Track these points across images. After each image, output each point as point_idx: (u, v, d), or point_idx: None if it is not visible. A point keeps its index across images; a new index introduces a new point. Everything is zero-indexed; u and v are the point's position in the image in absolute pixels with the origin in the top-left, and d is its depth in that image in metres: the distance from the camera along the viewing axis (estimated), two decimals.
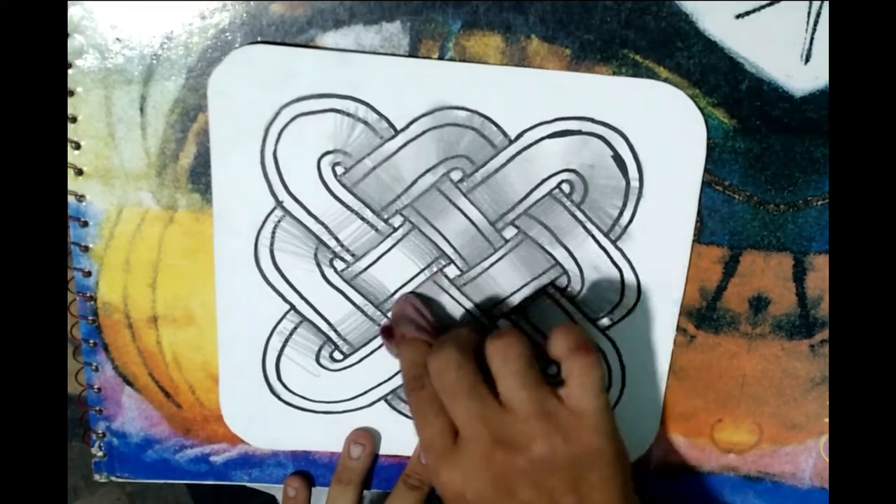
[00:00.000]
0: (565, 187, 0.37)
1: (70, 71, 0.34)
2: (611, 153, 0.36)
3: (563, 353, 0.33)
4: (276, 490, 0.44)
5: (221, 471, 0.42)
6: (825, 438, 0.41)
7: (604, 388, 0.33)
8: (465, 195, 0.37)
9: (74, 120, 0.35)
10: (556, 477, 0.31)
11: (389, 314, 0.38)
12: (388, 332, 0.37)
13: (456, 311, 0.39)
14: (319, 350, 0.39)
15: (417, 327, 0.36)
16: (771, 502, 0.43)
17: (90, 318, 0.38)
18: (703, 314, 0.39)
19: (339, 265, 0.38)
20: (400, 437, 0.41)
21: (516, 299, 0.38)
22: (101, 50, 0.34)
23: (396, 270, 0.38)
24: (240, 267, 0.37)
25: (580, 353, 0.32)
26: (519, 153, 0.36)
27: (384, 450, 0.41)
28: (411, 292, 0.38)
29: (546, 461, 0.31)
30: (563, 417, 0.32)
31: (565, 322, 0.37)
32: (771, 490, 0.42)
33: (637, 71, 0.35)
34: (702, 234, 0.38)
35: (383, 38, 0.35)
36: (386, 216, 0.37)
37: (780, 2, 0.34)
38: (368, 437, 0.40)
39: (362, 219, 0.37)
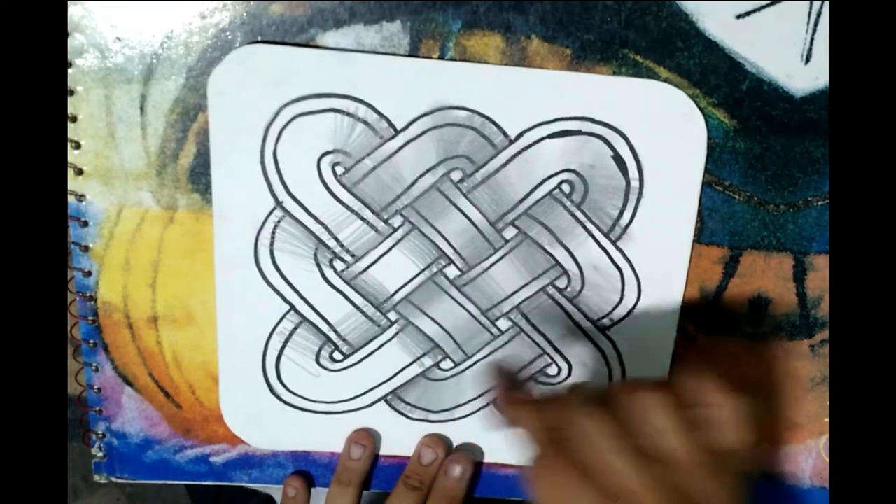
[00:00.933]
0: (565, 187, 0.37)
1: (70, 70, 0.34)
2: (611, 153, 0.36)
3: (715, 395, 0.30)
4: (276, 491, 0.44)
5: (221, 471, 0.42)
6: (825, 438, 0.41)
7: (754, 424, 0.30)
8: (465, 195, 0.37)
9: (74, 119, 0.35)
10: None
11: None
12: (507, 400, 0.34)
13: (456, 312, 0.38)
14: (319, 350, 0.39)
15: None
16: (771, 502, 0.43)
17: (90, 318, 0.38)
18: (703, 314, 0.39)
19: (339, 265, 0.38)
20: (400, 437, 0.41)
21: (516, 299, 0.38)
22: (102, 49, 0.34)
23: (396, 271, 0.38)
24: (240, 267, 0.37)
25: (736, 393, 0.30)
26: (519, 153, 0.36)
27: (384, 450, 0.41)
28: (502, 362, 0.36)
29: None
30: (729, 462, 0.29)
31: (700, 369, 0.33)
32: (771, 490, 0.42)
33: (637, 71, 0.35)
34: (702, 235, 0.38)
35: (383, 37, 0.35)
36: (386, 216, 0.37)
37: (780, 2, 0.34)
38: (369, 437, 0.40)
39: (362, 219, 0.37)
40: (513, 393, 0.34)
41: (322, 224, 0.37)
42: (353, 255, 0.37)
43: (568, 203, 0.37)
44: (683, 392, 0.30)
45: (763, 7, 0.35)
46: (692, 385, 0.31)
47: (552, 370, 0.40)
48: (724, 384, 0.30)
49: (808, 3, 0.34)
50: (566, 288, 0.38)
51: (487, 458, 0.41)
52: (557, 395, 0.31)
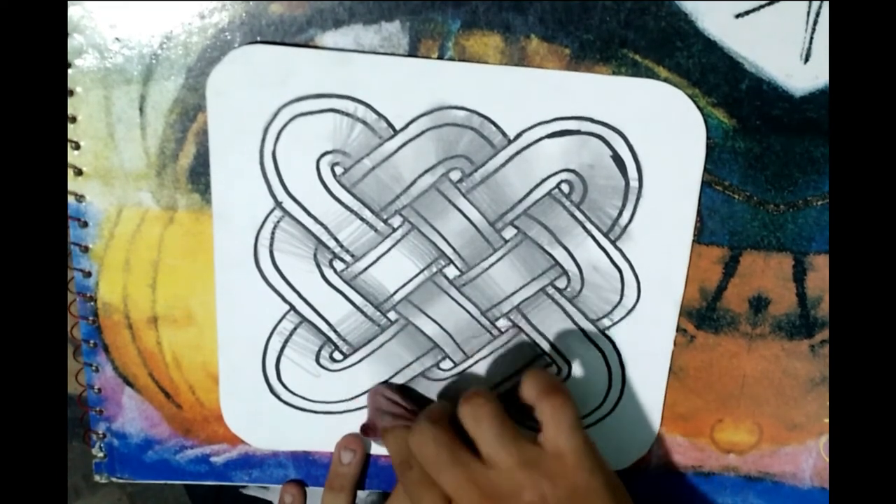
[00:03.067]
0: (564, 187, 0.37)
1: (70, 71, 0.34)
2: (610, 153, 0.36)
3: (534, 397, 0.34)
4: (275, 492, 0.44)
5: (222, 471, 0.42)
6: (825, 438, 0.41)
7: (579, 425, 0.33)
8: (464, 195, 0.37)
9: (74, 120, 0.35)
10: None
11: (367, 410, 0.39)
12: (367, 430, 0.39)
13: (456, 312, 0.38)
14: (319, 350, 0.39)
15: (394, 416, 0.38)
16: (771, 502, 0.43)
17: (90, 318, 0.38)
18: (703, 314, 0.39)
19: (339, 265, 0.38)
20: None
21: (516, 300, 0.38)
22: (101, 50, 0.34)
23: (396, 271, 0.38)
24: (239, 267, 0.37)
25: (549, 394, 0.34)
26: (518, 153, 0.36)
27: (384, 450, 0.41)
28: (381, 383, 0.39)
29: None
30: (546, 461, 0.33)
31: (532, 368, 0.38)
32: (771, 490, 0.42)
33: (637, 71, 0.35)
34: (702, 234, 0.38)
35: (383, 37, 0.35)
36: (385, 216, 0.37)
37: (779, 1, 0.34)
38: (359, 442, 0.40)
39: (361, 219, 0.37)
40: (378, 423, 0.38)
41: (321, 224, 0.37)
42: (352, 255, 0.37)
43: (567, 203, 0.37)
44: (520, 395, 0.35)
45: (762, 6, 0.35)
46: (521, 390, 0.35)
47: (552, 370, 0.40)
48: (542, 386, 0.34)
49: (807, 2, 0.34)
50: (566, 288, 0.38)
51: None
52: (417, 417, 0.35)
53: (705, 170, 0.37)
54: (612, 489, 0.33)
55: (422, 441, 0.34)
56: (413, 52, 0.35)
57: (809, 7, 0.34)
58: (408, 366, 0.40)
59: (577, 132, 0.36)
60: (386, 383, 0.39)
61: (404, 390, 0.39)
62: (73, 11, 0.34)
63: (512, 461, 0.32)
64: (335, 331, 0.39)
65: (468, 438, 0.34)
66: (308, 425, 0.40)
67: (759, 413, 0.41)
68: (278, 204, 0.36)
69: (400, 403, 0.38)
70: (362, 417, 0.40)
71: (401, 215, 0.37)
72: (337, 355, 0.39)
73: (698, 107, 0.36)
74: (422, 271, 0.38)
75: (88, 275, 0.38)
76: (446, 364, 0.40)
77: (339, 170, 0.36)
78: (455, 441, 0.33)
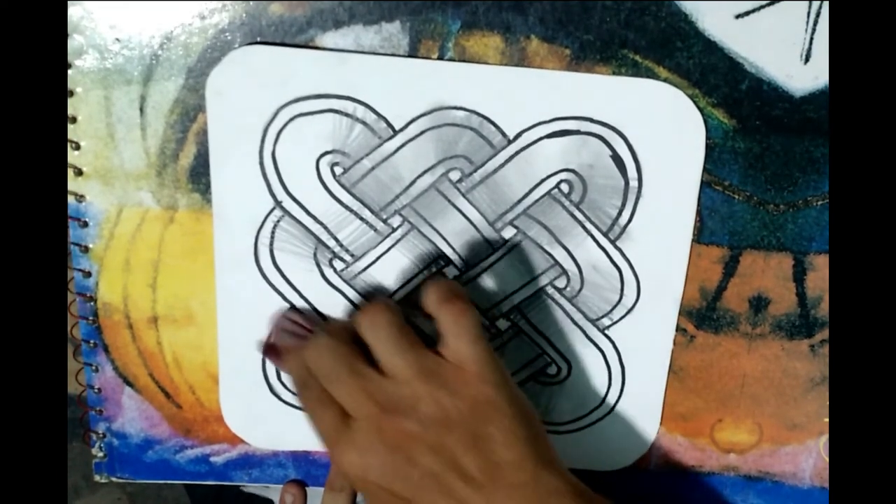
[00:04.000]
0: (564, 187, 0.37)
1: (70, 71, 0.34)
2: (609, 153, 0.36)
3: (434, 306, 0.33)
4: (275, 492, 0.44)
5: (222, 471, 0.42)
6: (825, 438, 0.41)
7: (480, 334, 0.32)
8: (463, 195, 0.37)
9: (74, 120, 0.35)
10: (452, 436, 0.30)
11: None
12: (270, 350, 0.37)
13: None
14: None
15: (296, 337, 0.36)
16: (771, 502, 0.43)
17: (90, 318, 0.38)
18: (702, 314, 0.39)
19: (339, 265, 0.38)
20: None
21: (515, 299, 0.38)
22: (101, 50, 0.34)
23: (395, 271, 0.38)
24: (240, 267, 0.37)
25: (449, 301, 0.32)
26: (517, 153, 0.36)
27: None
28: (289, 308, 0.38)
29: (437, 419, 0.30)
30: (446, 372, 0.31)
31: (434, 277, 0.36)
32: (771, 490, 0.42)
33: (637, 71, 0.35)
34: (701, 234, 0.38)
35: (383, 38, 0.35)
36: (385, 216, 0.37)
37: (779, 2, 0.34)
38: None
39: (361, 219, 0.37)
40: (280, 344, 0.36)
41: (321, 224, 0.37)
42: (352, 255, 0.37)
43: (567, 203, 0.37)
44: (422, 305, 0.33)
45: (762, 7, 0.35)
46: (422, 298, 0.33)
47: (552, 370, 0.40)
48: (442, 293, 0.33)
49: (807, 2, 0.34)
50: (565, 288, 0.38)
51: None
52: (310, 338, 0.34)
53: (705, 170, 0.37)
54: (521, 408, 0.31)
55: (318, 353, 0.32)
56: (413, 53, 0.35)
57: (809, 7, 0.34)
58: None
59: (577, 132, 0.36)
60: (292, 307, 0.38)
61: (310, 314, 0.38)
62: (73, 12, 0.34)
63: (410, 371, 0.31)
64: None
65: (370, 355, 0.32)
66: (308, 425, 0.40)
67: (759, 413, 0.41)
68: (278, 203, 0.36)
69: (303, 325, 0.36)
70: None
71: (400, 215, 0.37)
72: None
73: (698, 107, 0.36)
74: (421, 271, 0.38)
75: (88, 275, 0.38)
76: None
77: (338, 170, 0.36)
78: (352, 352, 0.32)
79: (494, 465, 0.30)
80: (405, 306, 0.34)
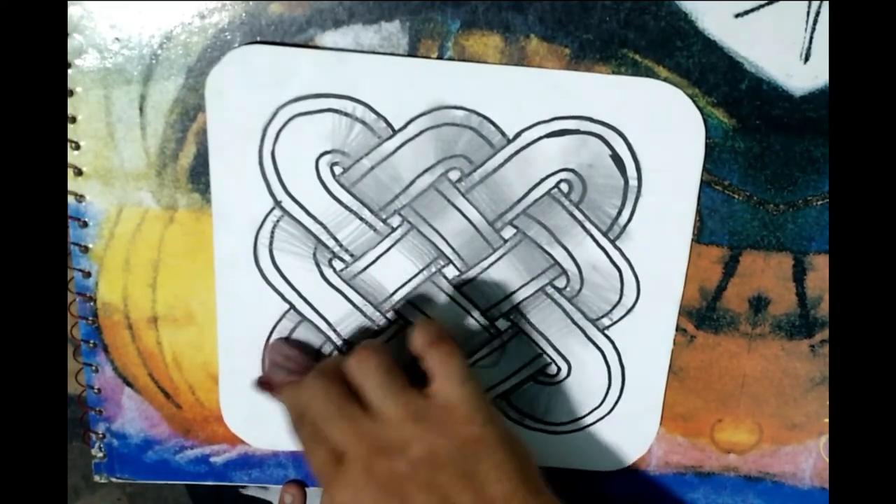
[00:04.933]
0: (564, 187, 0.37)
1: (69, 71, 0.34)
2: (609, 152, 0.36)
3: (421, 347, 0.34)
4: (275, 491, 0.44)
5: (221, 471, 0.42)
6: (825, 438, 0.41)
7: (469, 375, 0.33)
8: (463, 195, 0.37)
9: (74, 120, 0.35)
10: (444, 474, 0.30)
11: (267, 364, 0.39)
12: (264, 385, 0.38)
13: (454, 312, 0.38)
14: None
15: (289, 371, 0.37)
16: (771, 502, 0.42)
17: (90, 318, 0.38)
18: (702, 314, 0.39)
19: (338, 265, 0.38)
20: None
21: (515, 299, 0.38)
22: (101, 50, 0.34)
23: (395, 270, 0.38)
24: (239, 267, 0.37)
25: (437, 344, 0.33)
26: (517, 153, 0.36)
27: None
28: (277, 339, 0.38)
29: (427, 460, 0.31)
30: (435, 413, 0.32)
31: (420, 319, 0.37)
32: (771, 490, 0.42)
33: (636, 70, 0.35)
34: (701, 234, 0.38)
35: (382, 37, 0.35)
36: (384, 216, 0.37)
37: (779, 1, 0.34)
38: None
39: (361, 219, 0.37)
40: (274, 379, 0.37)
41: (321, 224, 0.37)
42: (351, 255, 0.37)
43: (566, 202, 0.37)
44: (409, 346, 0.34)
45: (762, 6, 0.35)
46: (409, 341, 0.34)
47: (552, 370, 0.40)
48: (430, 336, 0.34)
49: (807, 2, 0.34)
50: (565, 287, 0.38)
51: None
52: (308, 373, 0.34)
53: (705, 169, 0.37)
54: (506, 441, 0.32)
55: (312, 393, 0.33)
56: (413, 52, 0.35)
57: (809, 7, 0.34)
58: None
59: (577, 132, 0.36)
60: (285, 339, 0.38)
61: (303, 347, 0.39)
62: (73, 11, 0.34)
63: (400, 413, 0.32)
64: (334, 330, 0.39)
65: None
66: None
67: (759, 413, 0.41)
68: (277, 203, 0.36)
69: (295, 359, 0.37)
70: None
71: (400, 215, 0.37)
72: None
73: (698, 107, 0.36)
74: (421, 271, 0.38)
75: (88, 275, 0.38)
76: None
77: (338, 169, 0.36)
78: (344, 394, 0.33)
79: (488, 499, 0.30)
80: (394, 348, 0.35)
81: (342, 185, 0.36)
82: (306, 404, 0.33)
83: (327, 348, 0.39)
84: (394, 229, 0.37)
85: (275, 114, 0.35)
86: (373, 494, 0.31)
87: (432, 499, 0.30)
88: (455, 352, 0.33)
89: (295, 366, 0.37)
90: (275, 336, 0.39)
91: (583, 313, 0.39)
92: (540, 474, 0.32)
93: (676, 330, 0.39)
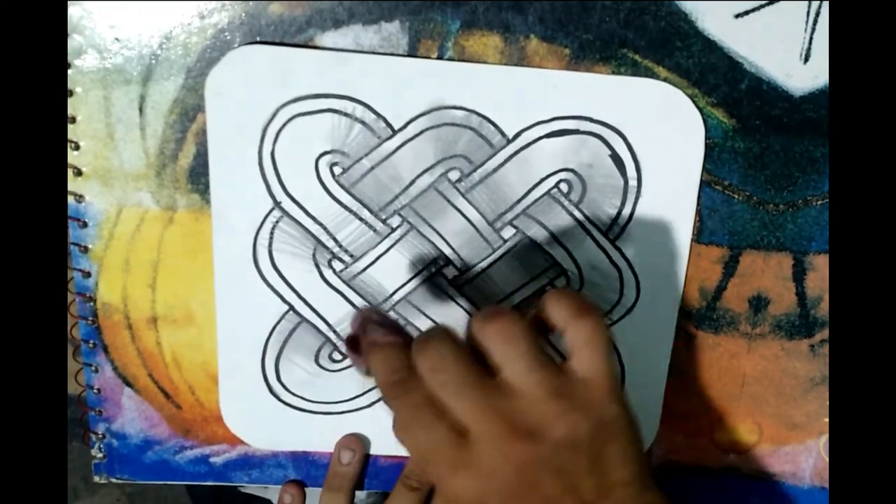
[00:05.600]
0: (563, 187, 0.37)
1: (69, 71, 0.34)
2: (609, 152, 0.36)
3: (565, 318, 0.30)
4: (275, 493, 0.44)
5: (221, 472, 0.42)
6: (825, 438, 0.41)
7: (612, 350, 0.30)
8: (463, 195, 0.37)
9: (73, 120, 0.35)
10: (578, 458, 0.28)
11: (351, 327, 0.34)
12: (354, 344, 0.33)
13: (455, 312, 0.38)
14: (318, 350, 0.39)
15: (387, 331, 0.32)
16: (771, 502, 0.42)
17: (90, 318, 0.38)
18: (702, 314, 0.39)
19: (338, 266, 0.38)
20: None
21: (515, 299, 0.38)
22: (100, 50, 0.34)
23: (395, 271, 0.38)
24: (239, 267, 0.37)
25: (584, 315, 0.29)
26: (517, 153, 0.36)
27: (384, 450, 0.41)
28: (368, 307, 0.36)
29: (567, 442, 0.28)
30: (578, 391, 0.29)
31: (556, 289, 0.34)
32: (771, 490, 0.42)
33: (636, 70, 0.35)
34: (701, 234, 0.38)
35: (382, 37, 0.35)
36: (384, 216, 0.37)
37: (779, 1, 0.34)
38: (358, 442, 0.40)
39: (360, 219, 0.37)
40: (367, 337, 0.32)
41: (320, 224, 0.37)
42: (351, 256, 0.37)
43: (566, 202, 0.37)
44: (546, 318, 0.30)
45: (762, 6, 0.35)
46: (547, 309, 0.30)
47: None
48: (576, 306, 0.30)
49: (807, 2, 0.34)
50: (565, 287, 0.38)
51: None
52: (423, 334, 0.30)
53: (705, 169, 0.37)
54: (632, 423, 0.30)
55: (439, 356, 0.28)
56: (413, 53, 0.35)
57: (809, 7, 0.34)
58: None
59: (576, 131, 0.36)
60: (373, 308, 0.35)
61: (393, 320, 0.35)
62: (73, 12, 0.34)
63: (542, 390, 0.28)
64: (334, 331, 0.39)
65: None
66: (307, 425, 0.40)
67: (759, 413, 0.41)
68: (277, 204, 0.36)
69: (393, 324, 0.33)
70: (362, 418, 0.40)
71: (399, 215, 0.37)
72: (336, 355, 0.39)
73: (698, 107, 0.36)
74: (421, 271, 0.38)
75: (88, 275, 0.38)
76: None
77: (337, 170, 0.36)
78: (476, 363, 0.28)
79: (608, 485, 0.28)
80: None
81: (342, 186, 0.36)
82: (429, 366, 0.28)
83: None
84: (394, 229, 0.37)
85: (274, 114, 0.35)
86: (506, 479, 0.27)
87: (560, 484, 0.27)
88: (604, 324, 0.30)
89: (392, 326, 0.32)
90: (274, 337, 0.39)
91: None
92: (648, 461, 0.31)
93: (676, 330, 0.39)
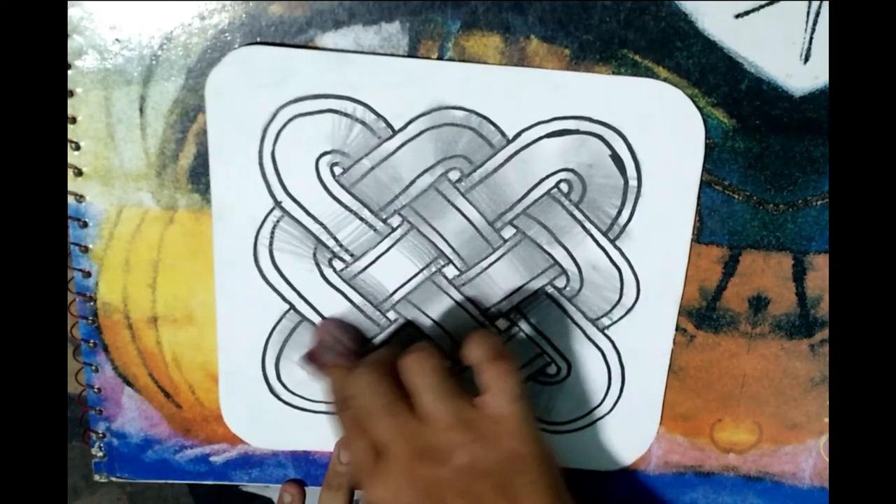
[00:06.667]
0: (563, 187, 0.37)
1: (70, 72, 0.35)
2: (609, 152, 0.36)
3: (479, 360, 0.34)
4: (276, 490, 0.44)
5: (221, 471, 0.42)
6: (825, 438, 0.41)
7: (522, 393, 0.33)
8: (463, 195, 0.37)
9: (74, 121, 0.35)
10: (483, 484, 0.31)
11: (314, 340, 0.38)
12: (310, 358, 0.38)
13: (454, 312, 0.39)
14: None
15: (337, 353, 0.37)
16: (771, 502, 0.43)
17: (90, 318, 0.38)
18: (702, 314, 0.39)
19: (338, 265, 0.38)
20: None
21: (515, 299, 0.38)
22: (101, 50, 0.34)
23: (395, 270, 0.38)
24: (239, 267, 0.37)
25: (496, 359, 0.33)
26: (517, 153, 0.36)
27: None
28: (330, 318, 0.38)
29: (470, 469, 0.31)
30: (483, 425, 0.32)
31: (478, 330, 0.37)
32: (771, 490, 0.42)
33: (636, 71, 0.35)
34: (701, 234, 0.38)
35: (382, 38, 0.35)
36: (384, 216, 0.37)
37: (779, 1, 0.34)
38: None
39: (361, 219, 0.37)
40: (321, 356, 0.37)
41: (321, 224, 0.37)
42: (351, 255, 0.37)
43: (566, 202, 0.37)
44: (462, 356, 0.35)
45: (762, 6, 0.35)
46: (465, 349, 0.34)
47: (551, 370, 0.40)
48: (488, 350, 0.34)
49: (807, 2, 0.34)
50: (565, 287, 0.38)
51: None
52: (360, 361, 0.35)
53: (705, 169, 0.37)
54: (548, 462, 0.32)
55: (361, 384, 0.33)
56: (413, 53, 0.35)
57: (809, 7, 0.34)
58: None
59: (576, 132, 0.36)
60: (335, 320, 0.38)
61: (352, 331, 0.39)
62: (73, 12, 0.34)
63: (449, 419, 0.32)
64: None
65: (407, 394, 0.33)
66: (307, 425, 0.40)
67: (759, 413, 0.41)
68: (277, 204, 0.36)
69: (345, 343, 0.37)
70: None
71: (400, 215, 0.37)
72: None
73: (698, 107, 0.36)
74: (421, 271, 0.38)
75: (88, 275, 0.38)
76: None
77: (338, 170, 0.36)
78: (394, 391, 0.33)
79: None
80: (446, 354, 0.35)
81: (342, 186, 0.36)
82: (354, 393, 0.33)
83: (379, 338, 0.39)
84: (394, 229, 0.37)
85: (275, 114, 0.35)
86: (412, 496, 0.31)
87: (466, 503, 0.31)
88: (512, 369, 0.33)
89: (343, 349, 0.37)
90: (275, 337, 0.39)
91: (583, 313, 0.39)
92: (570, 495, 0.33)
93: (676, 330, 0.39)
